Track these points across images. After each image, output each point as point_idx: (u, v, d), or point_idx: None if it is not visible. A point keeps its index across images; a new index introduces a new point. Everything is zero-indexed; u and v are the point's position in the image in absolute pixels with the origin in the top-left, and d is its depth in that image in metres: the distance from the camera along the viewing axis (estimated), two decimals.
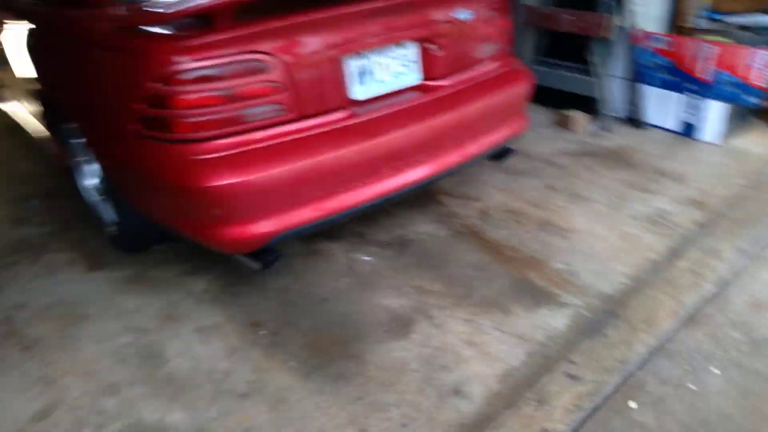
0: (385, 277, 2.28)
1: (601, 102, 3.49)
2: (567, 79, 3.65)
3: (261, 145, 1.81)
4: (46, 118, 2.64)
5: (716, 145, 3.23)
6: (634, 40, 3.37)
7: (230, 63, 1.72)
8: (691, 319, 1.99)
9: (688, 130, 3.34)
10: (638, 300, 2.07)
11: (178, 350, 1.98)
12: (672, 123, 3.40)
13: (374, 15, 1.98)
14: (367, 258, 2.40)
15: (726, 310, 2.02)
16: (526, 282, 2.22)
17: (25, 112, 3.26)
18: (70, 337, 2.06)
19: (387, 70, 2.08)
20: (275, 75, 1.79)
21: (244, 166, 1.75)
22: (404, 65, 2.12)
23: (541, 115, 3.75)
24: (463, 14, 2.20)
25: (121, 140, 1.90)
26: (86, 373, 1.90)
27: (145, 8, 1.80)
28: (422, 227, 2.59)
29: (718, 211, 2.61)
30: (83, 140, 2.36)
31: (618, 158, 3.15)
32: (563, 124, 3.55)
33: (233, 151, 1.77)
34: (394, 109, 2.06)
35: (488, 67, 2.39)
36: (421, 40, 2.13)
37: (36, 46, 2.48)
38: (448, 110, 2.15)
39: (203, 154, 1.75)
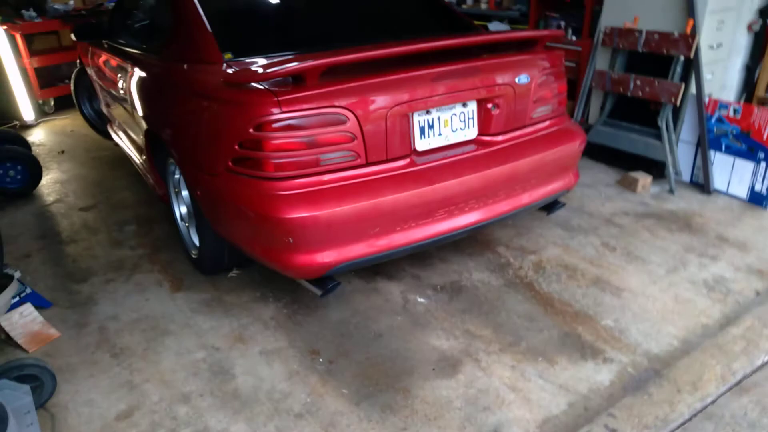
0: (437, 319, 2.42)
1: (668, 165, 3.52)
2: (633, 141, 3.71)
3: (332, 185, 2.08)
4: (150, 152, 3.01)
5: None
6: (705, 107, 3.41)
7: (314, 115, 2.01)
8: (739, 386, 1.99)
9: (755, 198, 3.30)
10: (686, 362, 2.09)
11: (244, 369, 2.18)
12: (739, 190, 3.38)
13: (442, 77, 2.20)
14: (421, 299, 2.55)
15: None
16: (574, 335, 2.29)
17: (129, 146, 3.71)
18: (153, 349, 2.32)
19: (447, 125, 2.31)
20: (351, 126, 2.07)
21: (317, 203, 2.02)
22: (463, 121, 2.35)
23: (604, 174, 3.82)
24: (521, 78, 2.41)
25: (215, 175, 2.22)
26: (164, 381, 2.13)
27: (248, 68, 2.19)
28: (476, 275, 2.72)
29: None
30: (179, 172, 2.71)
31: (680, 222, 3.17)
32: (626, 184, 3.60)
33: (309, 189, 2.05)
34: (451, 160, 2.29)
35: (541, 126, 2.58)
36: (481, 100, 2.36)
37: (143, 88, 2.89)
38: (501, 163, 2.34)
39: (285, 190, 2.03)
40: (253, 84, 2.06)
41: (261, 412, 1.98)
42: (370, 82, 2.09)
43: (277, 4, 2.96)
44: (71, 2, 6.07)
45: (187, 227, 2.88)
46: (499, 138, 2.42)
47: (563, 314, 2.42)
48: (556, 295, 2.55)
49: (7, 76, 5.36)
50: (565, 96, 2.68)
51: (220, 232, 2.44)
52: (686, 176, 3.63)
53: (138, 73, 2.97)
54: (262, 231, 2.12)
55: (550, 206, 2.76)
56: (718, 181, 3.47)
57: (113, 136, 4.26)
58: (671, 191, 3.50)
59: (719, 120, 3.39)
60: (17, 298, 2.47)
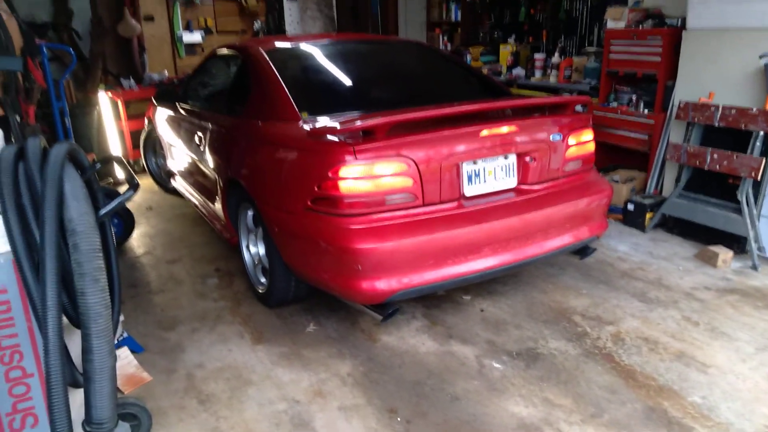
0: (514, 385, 2.40)
1: (749, 240, 3.44)
2: (711, 215, 3.65)
3: (395, 222, 2.44)
4: (225, 199, 3.32)
5: None
6: None
7: (382, 163, 2.39)
8: None
9: None
10: None
11: (323, 423, 2.23)
12: None
13: (489, 133, 2.59)
14: (497, 365, 2.55)
15: None
16: (659, 410, 2.22)
17: (197, 196, 4.07)
18: (237, 397, 2.41)
19: (491, 174, 2.67)
20: (411, 173, 2.44)
21: (382, 236, 2.37)
22: (504, 171, 2.70)
23: (680, 247, 3.75)
24: (554, 136, 2.77)
25: (293, 213, 2.57)
26: (248, 430, 2.20)
27: (329, 124, 2.62)
28: (553, 343, 2.70)
29: None
30: (252, 214, 3.06)
31: (766, 299, 3.05)
32: (706, 258, 3.52)
33: (376, 225, 2.40)
34: (493, 205, 2.63)
35: (572, 178, 2.91)
36: (521, 154, 2.72)
37: (224, 143, 3.29)
38: (537, 209, 2.67)
39: (356, 224, 2.39)
40: (330, 137, 2.46)
41: None
42: (429, 136, 2.49)
43: (342, 74, 3.37)
44: (165, 72, 6.67)
45: (255, 266, 3.21)
46: (536, 187, 2.77)
47: (647, 388, 2.35)
48: (637, 367, 2.49)
49: (108, 138, 5.88)
50: (593, 153, 3.00)
51: (292, 264, 2.75)
52: None
53: (216, 130, 3.41)
54: (334, 260, 2.44)
55: (582, 251, 3.03)
56: None
57: (178, 188, 4.66)
58: (754, 267, 3.39)
59: None
60: (116, 341, 2.64)
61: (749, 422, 2.13)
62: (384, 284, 2.40)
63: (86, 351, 1.59)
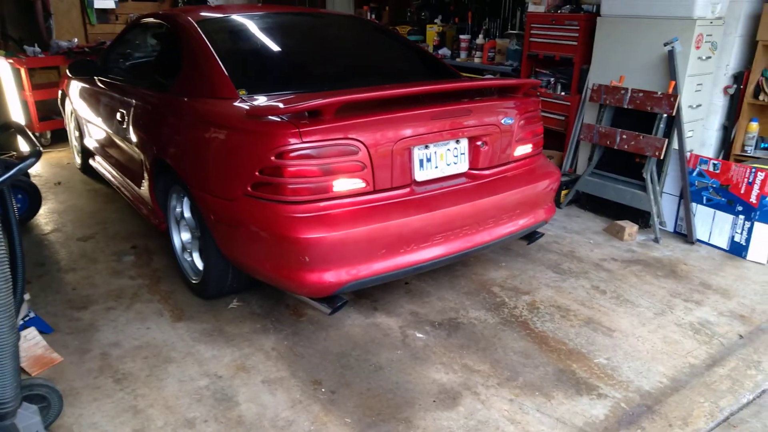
0: (436, 354, 2.48)
1: (652, 215, 3.70)
2: (619, 191, 3.89)
3: (343, 209, 2.27)
4: (152, 182, 3.08)
5: (763, 264, 3.35)
6: (687, 161, 3.62)
7: (330, 146, 2.22)
8: (727, 422, 2.07)
9: (735, 249, 3.48)
10: (675, 399, 2.18)
11: (247, 397, 2.21)
12: (720, 241, 3.55)
13: (440, 116, 2.47)
14: (420, 335, 2.62)
15: (761, 416, 2.10)
16: (569, 372, 2.37)
17: (120, 178, 3.81)
18: (156, 375, 2.33)
19: (443, 159, 2.56)
20: (362, 157, 2.28)
21: (331, 224, 2.20)
22: (456, 156, 2.60)
23: (592, 222, 3.98)
24: (506, 120, 2.70)
25: (232, 200, 2.36)
26: (168, 407, 2.15)
27: (270, 103, 2.42)
28: (473, 313, 2.80)
29: (760, 327, 2.71)
30: (184, 199, 2.85)
31: (665, 269, 3.31)
32: (614, 232, 3.76)
33: (323, 213, 2.23)
34: (445, 191, 2.53)
35: (522, 163, 2.86)
36: (472, 138, 2.62)
37: (150, 121, 3.04)
38: (488, 195, 2.59)
39: (302, 213, 2.21)
40: (272, 117, 2.26)
41: None
42: (380, 118, 2.32)
43: (281, 49, 3.16)
44: (75, 40, 6.24)
45: (190, 254, 2.96)
46: (486, 172, 2.69)
47: (558, 352, 2.50)
48: (550, 333, 2.64)
49: (9, 109, 5.44)
50: (542, 138, 2.97)
51: (231, 255, 2.56)
52: (670, 226, 3.81)
53: (142, 106, 3.14)
54: (278, 251, 2.27)
55: (530, 236, 3.02)
56: (700, 231, 3.65)
57: (98, 168, 4.36)
58: (656, 240, 3.66)
59: (700, 174, 3.60)
60: (22, 322, 2.48)
61: (646, 379, 2.32)
62: (332, 276, 2.24)
63: None
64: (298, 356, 2.47)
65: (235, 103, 2.50)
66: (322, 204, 2.24)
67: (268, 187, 2.24)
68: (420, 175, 2.48)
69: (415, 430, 2.04)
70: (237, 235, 2.44)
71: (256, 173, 2.24)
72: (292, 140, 2.15)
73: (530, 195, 2.78)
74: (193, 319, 2.75)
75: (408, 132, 2.38)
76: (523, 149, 2.84)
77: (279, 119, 2.23)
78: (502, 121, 2.69)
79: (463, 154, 2.62)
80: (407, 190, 2.44)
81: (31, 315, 2.57)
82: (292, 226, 2.18)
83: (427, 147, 2.47)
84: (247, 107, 2.40)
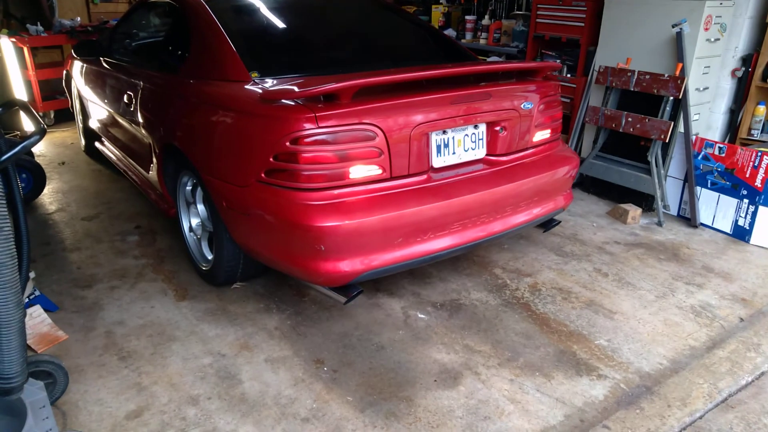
0: (437, 334, 2.50)
1: (656, 199, 3.68)
2: (624, 174, 3.88)
3: (360, 197, 2.20)
4: (161, 167, 3.04)
5: (766, 248, 3.34)
6: (693, 145, 3.60)
7: (347, 131, 2.14)
8: (725, 403, 2.09)
9: (738, 233, 3.47)
10: (675, 380, 2.19)
11: (250, 375, 2.24)
12: (723, 224, 3.54)
13: (459, 100, 2.39)
14: (422, 315, 2.63)
15: (760, 398, 2.12)
16: (569, 353, 2.38)
17: (128, 162, 3.76)
18: (160, 353, 2.36)
19: (460, 145, 2.47)
20: (379, 143, 2.20)
21: (347, 212, 2.13)
22: (474, 142, 2.52)
23: (595, 205, 3.97)
24: (525, 104, 2.62)
25: (245, 186, 2.30)
26: (172, 384, 2.18)
27: (286, 86, 2.31)
28: (475, 294, 2.81)
29: (761, 310, 2.71)
30: (194, 184, 2.80)
31: (668, 252, 3.31)
32: (617, 215, 3.76)
33: (339, 200, 2.16)
34: (462, 177, 2.46)
35: (541, 149, 2.78)
36: (491, 123, 2.54)
37: (159, 104, 2.97)
38: (508, 181, 2.51)
39: (317, 200, 2.14)
40: (286, 101, 2.18)
41: (268, 415, 2.03)
42: (398, 102, 2.24)
43: (293, 30, 3.07)
44: (78, 18, 6.20)
45: (198, 240, 2.94)
46: (504, 158, 2.61)
47: (558, 333, 2.52)
48: (551, 315, 2.65)
49: (12, 88, 5.43)
50: (561, 123, 2.89)
51: (243, 242, 2.51)
52: (674, 210, 3.80)
53: (151, 88, 3.06)
54: (292, 239, 2.21)
55: (547, 224, 2.95)
56: (704, 215, 3.64)
57: (104, 151, 4.28)
58: (659, 223, 3.66)
59: (705, 158, 3.58)
60: (27, 300, 2.51)
61: (646, 361, 2.34)
62: (348, 265, 2.18)
63: None
64: (300, 335, 2.49)
65: (248, 86, 2.43)
66: (337, 191, 2.17)
67: (282, 174, 2.17)
68: (437, 161, 2.40)
69: (416, 408, 2.07)
70: (249, 223, 2.37)
71: (270, 159, 2.17)
72: (308, 125, 2.07)
73: (549, 182, 2.70)
74: (196, 298, 2.77)
75: (426, 117, 2.30)
76: (542, 134, 2.76)
77: (294, 103, 2.15)
78: (522, 106, 2.60)
79: (481, 139, 2.53)
80: (424, 177, 2.36)
81: (37, 293, 2.60)
82: (307, 213, 2.11)
83: (444, 132, 2.39)
84: (261, 91, 2.33)
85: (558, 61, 4.53)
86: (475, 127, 2.49)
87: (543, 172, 2.66)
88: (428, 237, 2.32)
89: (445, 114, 2.34)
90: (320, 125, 2.08)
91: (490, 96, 2.48)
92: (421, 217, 2.25)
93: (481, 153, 2.55)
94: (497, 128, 2.55)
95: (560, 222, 3.08)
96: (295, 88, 2.17)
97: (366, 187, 2.22)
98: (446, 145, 2.41)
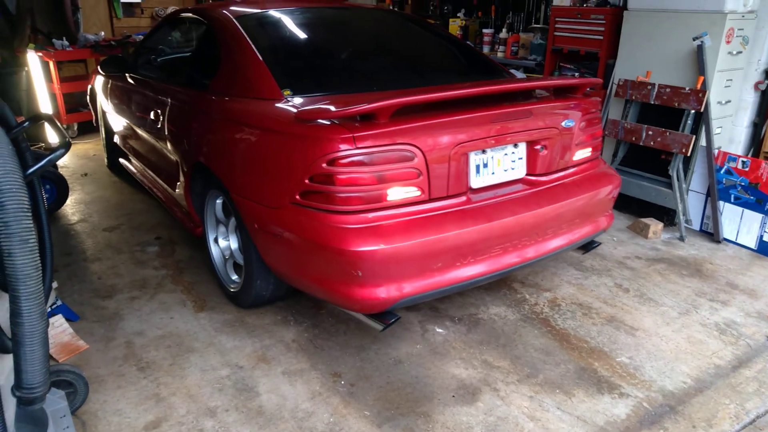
0: (455, 349, 2.48)
1: (678, 213, 3.63)
2: (644, 188, 3.83)
3: (398, 220, 2.11)
4: (189, 186, 2.95)
5: None
6: (715, 158, 3.55)
7: (385, 152, 2.06)
8: (753, 425, 2.03)
9: (763, 248, 3.40)
10: (699, 400, 2.14)
11: (267, 387, 2.23)
12: (747, 240, 3.48)
13: (499, 119, 2.30)
14: (440, 330, 2.61)
15: None
16: (590, 370, 2.34)
17: (153, 179, 3.71)
18: (179, 364, 2.37)
19: (500, 165, 2.38)
20: (418, 163, 2.12)
21: (386, 236, 2.04)
22: (513, 161, 2.42)
23: (616, 219, 3.92)
24: (567, 122, 2.52)
25: (278, 208, 2.22)
26: (190, 396, 2.18)
27: (322, 105, 2.23)
28: (493, 309, 2.79)
29: None
30: (223, 203, 2.76)
31: (691, 268, 3.25)
32: (638, 230, 3.71)
33: (378, 223, 2.07)
34: (502, 198, 2.35)
35: (582, 168, 2.67)
36: (531, 142, 2.44)
37: (188, 122, 2.90)
38: (548, 203, 2.40)
39: (355, 223, 2.05)
40: (322, 120, 2.11)
41: (285, 429, 2.02)
42: (438, 121, 2.16)
43: (323, 46, 3.02)
44: (102, 33, 6.33)
45: (227, 260, 2.88)
46: (544, 179, 2.51)
47: (579, 350, 2.48)
48: (571, 331, 2.61)
49: (38, 101, 5.55)
50: (601, 141, 2.75)
51: (274, 266, 2.45)
52: (696, 225, 3.74)
53: (179, 106, 3.00)
54: (328, 264, 2.11)
55: (587, 245, 2.82)
56: (727, 230, 3.57)
57: (130, 168, 4.24)
58: (681, 238, 3.60)
59: (728, 172, 3.52)
60: (50, 309, 2.54)
61: (669, 379, 2.29)
62: (386, 291, 2.08)
63: (15, 314, 1.52)
64: (318, 348, 2.48)
65: (280, 105, 2.37)
66: (374, 214, 2.08)
67: (317, 196, 2.09)
68: (476, 181, 2.30)
69: (433, 424, 2.04)
70: (282, 246, 2.29)
71: (306, 181, 2.09)
72: (346, 146, 2.00)
73: (592, 203, 2.59)
74: (215, 309, 2.78)
75: (466, 136, 2.20)
76: (583, 153, 2.65)
77: (329, 123, 2.08)
78: (563, 124, 2.50)
79: (521, 159, 2.43)
80: (463, 198, 2.26)
81: (59, 303, 2.63)
82: (344, 237, 2.02)
83: (484, 152, 2.30)
84: (295, 109, 2.25)
85: (576, 74, 4.51)
86: (515, 146, 2.40)
87: (585, 192, 2.54)
88: (468, 262, 2.21)
89: (485, 133, 2.25)
90: (358, 146, 2.01)
91: (531, 114, 2.38)
92: (462, 241, 2.15)
93: (520, 173, 2.45)
94: (537, 147, 2.45)
95: (601, 243, 2.96)
96: (333, 108, 2.09)
97: (404, 210, 2.13)
98: (485, 165, 2.32)
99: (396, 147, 2.07)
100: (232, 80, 2.70)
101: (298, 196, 2.15)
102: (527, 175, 2.47)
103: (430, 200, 2.18)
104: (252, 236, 2.45)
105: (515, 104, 2.39)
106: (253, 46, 2.65)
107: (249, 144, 2.41)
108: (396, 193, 2.11)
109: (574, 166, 2.63)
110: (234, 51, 2.73)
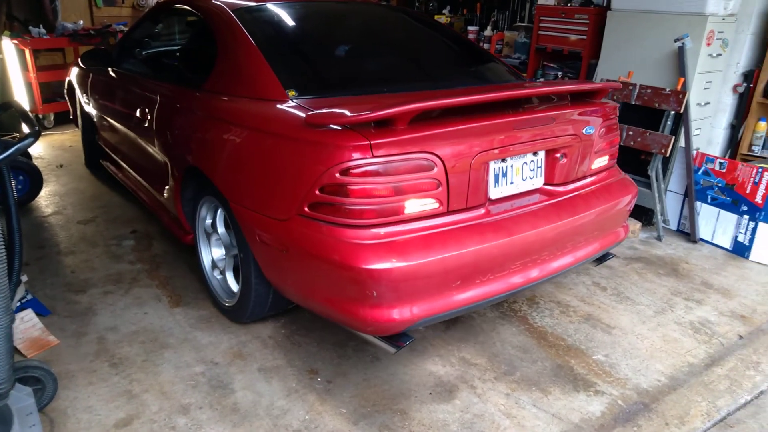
0: (433, 346, 2.47)
1: (656, 213, 3.67)
2: None
3: (416, 234, 1.93)
4: (179, 192, 2.77)
5: (765, 265, 3.32)
6: (693, 159, 3.59)
7: (404, 161, 1.89)
8: (724, 422, 2.06)
9: (738, 249, 3.45)
10: (673, 398, 2.17)
11: (243, 384, 2.21)
12: (723, 240, 3.52)
13: (522, 125, 2.16)
14: (419, 327, 2.60)
15: (759, 418, 2.09)
16: (566, 368, 2.35)
17: (138, 182, 3.52)
18: (152, 360, 2.33)
19: (519, 174, 2.23)
20: (437, 173, 1.94)
21: (403, 253, 1.86)
22: (532, 170, 2.28)
23: None
24: (587, 129, 2.38)
25: (283, 220, 2.04)
26: (163, 393, 2.15)
27: (334, 109, 1.99)
28: None
29: (760, 327, 2.69)
30: (218, 211, 2.60)
31: (667, 267, 3.29)
32: None
33: (394, 239, 1.90)
34: (521, 210, 2.20)
35: (600, 177, 2.54)
36: (550, 150, 2.29)
37: (175, 122, 2.72)
38: (569, 215, 2.27)
39: (367, 239, 1.87)
40: (335, 126, 1.92)
41: (260, 426, 2.00)
42: (459, 128, 1.99)
43: (330, 44, 2.79)
44: (81, 22, 6.20)
45: (221, 273, 2.70)
46: (561, 189, 2.36)
47: (556, 347, 2.49)
48: (549, 329, 2.62)
49: (12, 90, 5.43)
50: (618, 148, 2.65)
51: (277, 281, 2.29)
52: (674, 225, 3.78)
53: (168, 105, 2.82)
54: (339, 282, 1.94)
55: (603, 257, 2.65)
56: (704, 230, 3.62)
57: (110, 168, 4.06)
58: (659, 238, 3.64)
59: (705, 173, 3.57)
60: (18, 304, 2.48)
61: (644, 377, 2.31)
62: (401, 313, 1.89)
63: None
64: (295, 345, 2.46)
65: (284, 106, 2.18)
66: (390, 229, 1.90)
67: (328, 208, 1.91)
68: (494, 192, 2.14)
69: (410, 422, 2.03)
70: (287, 261, 2.12)
71: (316, 191, 1.90)
72: (360, 155, 1.81)
73: (611, 214, 2.45)
74: (190, 305, 2.74)
75: (487, 144, 2.04)
76: (601, 161, 2.50)
77: (341, 128, 1.89)
78: (584, 131, 2.34)
79: (540, 167, 2.28)
80: (482, 210, 2.10)
81: (29, 297, 2.57)
82: (358, 254, 1.84)
83: (504, 161, 2.14)
84: (302, 113, 2.07)
85: (559, 73, 4.53)
86: (535, 154, 2.25)
87: (605, 202, 2.41)
88: (487, 279, 2.05)
89: (507, 140, 2.10)
90: (375, 154, 1.83)
91: (553, 120, 2.24)
92: (483, 256, 1.99)
93: (538, 182, 2.30)
94: (557, 155, 2.30)
95: (615, 255, 2.87)
96: (347, 112, 1.90)
97: (421, 224, 1.95)
98: (504, 174, 2.17)
99: (415, 156, 1.89)
100: (231, 78, 2.51)
101: (306, 208, 1.96)
102: (545, 184, 2.33)
103: (449, 213, 2.02)
104: (252, 249, 2.28)
105: (537, 110, 2.27)
106: (252, 41, 2.46)
107: (251, 149, 2.22)
108: (413, 205, 1.93)
109: (592, 175, 2.49)
110: (232, 47, 2.54)
